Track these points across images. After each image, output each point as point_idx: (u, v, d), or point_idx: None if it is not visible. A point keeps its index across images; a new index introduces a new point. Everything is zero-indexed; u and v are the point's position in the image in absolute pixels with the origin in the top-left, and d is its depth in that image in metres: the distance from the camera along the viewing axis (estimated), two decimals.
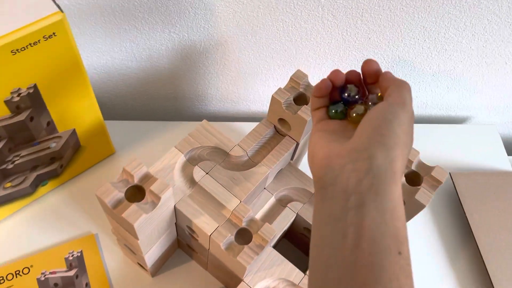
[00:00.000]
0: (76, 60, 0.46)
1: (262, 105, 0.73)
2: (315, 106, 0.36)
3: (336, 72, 0.35)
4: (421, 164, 0.47)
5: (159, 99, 0.70)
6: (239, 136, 0.58)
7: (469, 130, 0.74)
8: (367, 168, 0.27)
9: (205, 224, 0.46)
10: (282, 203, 0.54)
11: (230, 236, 0.46)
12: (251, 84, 0.68)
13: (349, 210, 0.27)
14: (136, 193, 0.43)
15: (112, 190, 0.41)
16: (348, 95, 0.35)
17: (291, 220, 0.53)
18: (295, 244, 0.60)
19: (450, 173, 0.66)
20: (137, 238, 0.43)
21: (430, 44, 0.61)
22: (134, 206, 0.40)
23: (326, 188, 0.29)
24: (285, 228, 0.53)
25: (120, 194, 0.42)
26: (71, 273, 0.55)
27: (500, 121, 0.80)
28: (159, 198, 0.41)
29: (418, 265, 0.61)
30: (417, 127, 0.73)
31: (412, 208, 0.46)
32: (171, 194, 0.43)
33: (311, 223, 0.53)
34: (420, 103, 0.74)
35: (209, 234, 0.45)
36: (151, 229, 0.44)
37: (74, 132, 0.54)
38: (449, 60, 0.65)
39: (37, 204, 0.59)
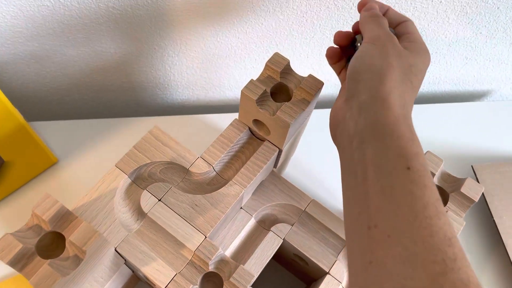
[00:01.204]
0: None
1: (239, 91, 0.60)
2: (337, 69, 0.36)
3: (338, 34, 0.35)
4: (445, 176, 0.35)
5: (112, 91, 0.57)
6: (213, 133, 0.45)
7: (491, 108, 0.61)
8: (358, 109, 0.28)
9: (158, 272, 0.34)
10: (264, 225, 0.42)
11: (193, 287, 0.34)
12: (223, 67, 0.54)
13: (354, 152, 0.28)
14: (56, 238, 0.31)
15: (16, 245, 0.29)
16: (357, 46, 0.34)
17: (276, 248, 0.41)
18: (285, 267, 0.49)
19: (472, 166, 0.54)
20: None
21: (447, 6, 0.48)
22: (46, 267, 0.28)
23: (339, 143, 0.30)
24: (270, 258, 0.41)
25: (29, 247, 0.30)
26: None
27: None
28: (83, 252, 0.29)
29: None
30: (428, 108, 0.61)
31: None
32: (102, 243, 0.31)
33: (301, 250, 0.41)
34: (432, 79, 0.61)
35: (164, 287, 0.33)
36: (83, 286, 0.32)
37: None
38: (469, 25, 0.51)
39: None
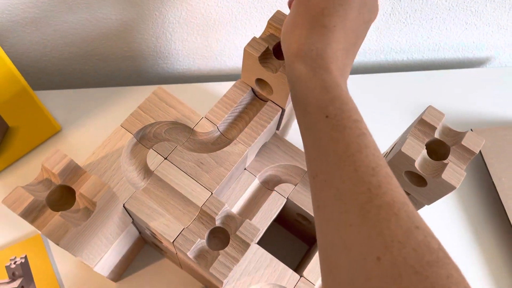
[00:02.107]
0: None
1: (240, 60, 0.60)
2: None
3: None
4: (446, 130, 0.35)
5: (112, 60, 0.57)
6: (215, 101, 0.46)
7: (491, 74, 0.61)
8: (294, 56, 0.29)
9: (166, 227, 0.35)
10: (268, 185, 0.43)
11: (200, 240, 0.35)
12: (224, 34, 0.54)
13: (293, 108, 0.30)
14: (66, 194, 0.32)
15: (27, 197, 0.29)
16: None
17: (280, 207, 0.42)
18: (288, 229, 0.50)
19: (471, 129, 0.54)
20: (75, 254, 0.32)
21: None
22: (58, 218, 0.29)
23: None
24: (274, 217, 0.42)
25: (40, 200, 0.30)
26: (15, 284, 0.45)
27: None
28: (93, 204, 0.30)
29: (441, 237, 0.51)
30: (428, 74, 0.61)
31: (438, 189, 0.35)
32: (110, 196, 0.31)
33: (304, 208, 0.42)
34: (432, 45, 0.61)
35: (172, 241, 0.34)
36: (92, 240, 0.33)
37: None
38: None
39: None
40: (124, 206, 0.35)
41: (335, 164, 0.25)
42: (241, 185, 0.42)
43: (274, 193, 0.42)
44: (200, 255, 0.35)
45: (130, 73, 0.60)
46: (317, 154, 0.27)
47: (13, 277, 0.45)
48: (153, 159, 0.37)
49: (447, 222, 0.52)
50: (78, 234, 0.30)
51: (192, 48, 0.56)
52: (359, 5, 0.29)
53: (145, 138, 0.38)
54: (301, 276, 0.39)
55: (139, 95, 0.54)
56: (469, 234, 0.51)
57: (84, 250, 0.33)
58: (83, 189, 0.30)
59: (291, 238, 0.50)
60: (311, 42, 0.28)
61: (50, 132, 0.50)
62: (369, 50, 0.61)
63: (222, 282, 0.35)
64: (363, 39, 0.31)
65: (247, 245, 0.35)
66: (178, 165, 0.37)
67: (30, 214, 0.30)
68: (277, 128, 0.44)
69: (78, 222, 0.30)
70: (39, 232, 0.47)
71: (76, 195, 0.30)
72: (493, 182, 0.52)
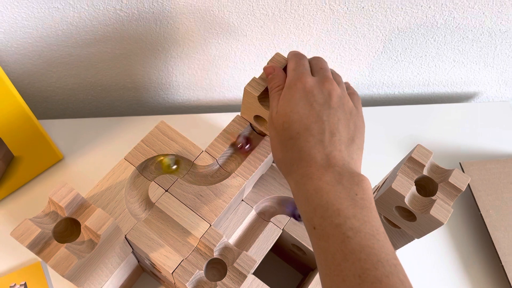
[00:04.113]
0: None
1: (239, 92, 0.62)
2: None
3: (269, 69, 0.36)
4: (434, 167, 0.37)
5: (115, 91, 0.59)
6: (214, 131, 0.48)
7: (478, 108, 0.64)
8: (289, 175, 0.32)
9: (165, 258, 0.36)
10: (264, 216, 0.45)
11: (199, 272, 0.36)
12: (223, 69, 0.57)
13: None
14: (71, 225, 0.33)
15: (34, 230, 0.31)
16: None
17: (276, 238, 0.43)
18: (283, 259, 0.51)
19: (460, 163, 0.57)
20: (78, 285, 0.34)
21: (435, 11, 0.51)
22: (64, 251, 0.30)
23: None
24: (269, 248, 0.43)
25: (46, 232, 0.31)
26: None
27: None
28: (98, 236, 0.31)
29: (431, 269, 0.52)
30: (418, 108, 0.64)
31: (426, 225, 0.36)
32: (114, 228, 0.33)
33: (299, 240, 0.43)
34: (422, 81, 0.64)
35: (171, 272, 0.35)
36: (95, 270, 0.34)
37: (1, 142, 0.43)
38: (457, 29, 0.54)
39: None
40: (126, 237, 0.36)
41: (327, 275, 0.26)
42: (238, 216, 0.44)
43: (270, 224, 0.44)
44: (198, 286, 0.36)
45: (132, 103, 0.62)
46: (318, 264, 0.28)
47: None
48: (155, 191, 0.39)
49: (437, 255, 0.53)
50: (82, 266, 0.31)
51: (192, 81, 0.59)
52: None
53: (147, 171, 0.40)
54: None
55: (141, 125, 0.56)
56: (458, 265, 0.52)
57: (86, 281, 0.34)
58: (88, 222, 0.31)
59: (286, 267, 0.51)
60: (287, 157, 0.31)
61: (53, 160, 0.52)
62: (362, 84, 0.64)
63: None
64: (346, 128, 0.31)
65: (244, 277, 0.36)
66: (178, 197, 0.38)
67: (37, 245, 0.31)
68: (273, 162, 0.46)
69: (82, 254, 0.31)
70: (39, 259, 0.48)
71: (82, 227, 0.32)
72: (481, 214, 0.54)
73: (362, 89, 0.65)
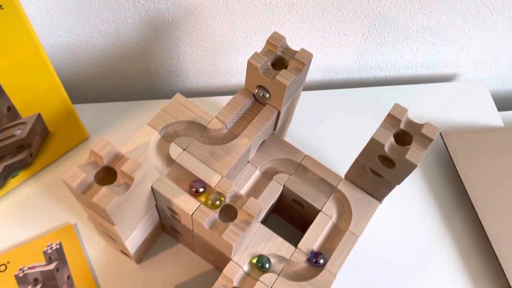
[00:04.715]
0: (29, 36, 0.42)
1: (241, 77, 0.69)
2: None
3: None
4: (409, 123, 0.44)
5: (131, 79, 0.66)
6: (218, 110, 0.55)
7: (457, 87, 0.71)
8: None
9: (186, 203, 0.43)
10: (267, 176, 0.52)
11: (214, 214, 0.43)
12: (228, 55, 0.64)
13: None
14: (107, 175, 0.40)
15: (80, 174, 0.38)
16: None
17: (278, 193, 0.50)
18: (284, 218, 0.58)
19: (440, 133, 0.64)
20: (113, 224, 0.40)
21: None
22: (105, 189, 0.37)
23: None
24: (273, 201, 0.50)
25: (89, 177, 0.38)
26: (51, 266, 0.52)
27: (488, 76, 0.78)
28: (132, 179, 0.38)
29: (414, 227, 0.59)
30: (403, 88, 0.71)
31: (403, 169, 0.43)
32: (145, 174, 0.39)
33: (299, 194, 0.50)
34: (405, 63, 0.71)
35: (191, 214, 0.42)
36: (127, 212, 0.41)
37: (39, 117, 0.50)
38: (432, 13, 0.62)
39: (9, 198, 0.56)
40: (152, 187, 0.43)
41: None
42: (245, 175, 0.51)
43: (272, 181, 0.51)
44: (214, 226, 0.43)
45: (146, 91, 0.69)
46: None
47: (49, 261, 0.52)
48: (174, 150, 0.46)
49: (420, 212, 0.60)
50: (119, 204, 0.38)
51: (200, 67, 0.66)
52: None
53: (167, 135, 0.47)
54: (296, 248, 0.47)
55: (156, 107, 0.63)
56: (440, 218, 0.59)
57: (121, 221, 0.41)
58: (124, 167, 0.38)
59: (288, 226, 0.58)
60: None
61: (80, 138, 0.59)
62: (352, 68, 0.71)
63: (231, 249, 0.43)
64: None
65: (252, 217, 0.43)
66: (194, 155, 0.45)
67: (82, 187, 0.38)
68: (274, 129, 0.53)
69: (120, 194, 0.38)
70: (71, 223, 0.55)
71: (118, 173, 0.39)
72: (459, 176, 0.60)
73: (353, 72, 0.72)
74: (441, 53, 0.70)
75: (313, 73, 0.71)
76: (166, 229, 0.55)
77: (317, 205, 0.49)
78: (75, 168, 0.38)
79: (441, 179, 0.62)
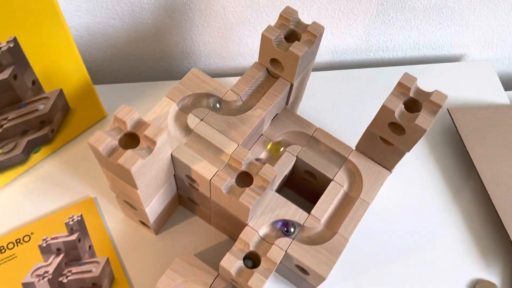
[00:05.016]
0: (56, 12, 0.44)
1: (252, 60, 0.71)
2: None
3: None
4: (418, 91, 0.46)
5: (146, 60, 0.68)
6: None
7: (464, 67, 0.73)
8: None
9: (204, 169, 0.45)
10: None
11: (231, 180, 0.45)
12: (240, 36, 0.66)
13: None
14: (129, 141, 0.42)
15: (106, 137, 0.40)
16: None
17: (292, 164, 0.52)
18: (297, 191, 0.59)
19: (448, 109, 0.65)
20: (136, 187, 0.42)
21: None
22: (129, 152, 0.39)
23: None
24: (286, 172, 0.52)
25: (114, 141, 0.40)
26: (73, 237, 0.54)
27: (494, 57, 0.79)
28: (154, 143, 0.40)
29: (422, 200, 0.60)
30: (410, 68, 0.72)
31: (413, 135, 0.45)
32: (166, 138, 0.41)
33: (311, 164, 0.52)
34: (413, 44, 0.73)
35: (209, 179, 0.44)
36: (149, 177, 0.43)
37: (61, 92, 0.53)
38: None
39: (32, 173, 0.58)
40: (171, 155, 0.45)
41: None
42: (259, 147, 0.52)
43: (286, 153, 0.52)
44: (231, 191, 0.44)
45: (160, 73, 0.71)
46: None
47: (71, 231, 0.55)
48: (192, 120, 0.47)
49: (429, 185, 0.61)
50: (142, 166, 0.40)
51: (212, 49, 0.68)
52: None
53: (184, 106, 0.49)
54: (309, 214, 0.49)
55: (169, 88, 0.65)
56: (448, 192, 0.61)
57: (143, 185, 0.43)
58: (147, 131, 0.40)
59: (299, 200, 0.59)
60: None
61: (99, 116, 0.61)
62: (360, 49, 0.72)
63: (247, 214, 0.44)
64: None
65: (267, 182, 0.44)
66: (211, 125, 0.47)
67: (107, 150, 0.40)
68: (287, 104, 0.55)
69: (143, 157, 0.40)
70: (92, 196, 0.57)
71: (141, 137, 0.41)
72: (467, 150, 0.62)
73: (361, 54, 0.73)
74: (448, 33, 0.71)
75: (323, 55, 0.72)
76: (183, 201, 0.56)
77: (329, 175, 0.51)
78: (100, 133, 0.40)
79: (449, 154, 0.64)
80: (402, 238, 0.58)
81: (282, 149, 0.47)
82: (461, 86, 0.70)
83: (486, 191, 0.59)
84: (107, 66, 0.68)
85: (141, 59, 0.67)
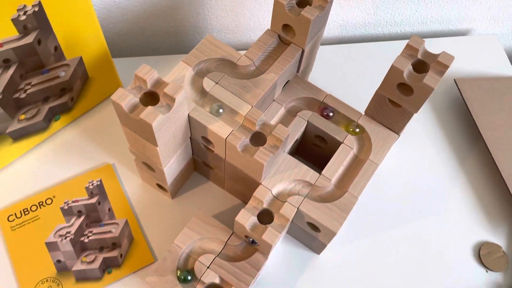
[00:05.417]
0: None
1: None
2: None
3: None
4: (426, 53, 0.48)
5: (160, 35, 0.70)
6: None
7: (471, 41, 0.74)
8: None
9: (220, 129, 0.47)
10: (292, 113, 0.55)
11: (245, 139, 0.47)
12: (251, 9, 0.68)
13: None
14: (149, 100, 0.44)
15: (127, 95, 0.42)
16: None
17: (303, 128, 0.54)
18: (307, 158, 0.61)
19: (455, 79, 0.66)
20: (156, 144, 0.44)
21: None
22: (150, 108, 0.41)
23: None
24: (297, 136, 0.54)
25: (135, 99, 0.42)
26: (93, 200, 0.57)
27: (500, 32, 0.80)
28: (173, 100, 0.42)
29: (430, 166, 0.62)
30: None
31: (421, 95, 0.47)
32: (185, 96, 0.43)
33: (322, 128, 0.54)
34: (420, 18, 0.74)
35: (225, 138, 0.46)
36: (168, 135, 0.45)
37: (81, 60, 0.55)
38: None
39: (52, 140, 0.60)
40: (189, 115, 0.47)
41: None
42: (271, 112, 0.54)
43: (297, 117, 0.54)
44: (245, 150, 0.47)
45: (174, 48, 0.73)
46: None
47: (91, 195, 0.57)
48: (207, 83, 0.49)
49: (436, 152, 0.63)
50: (163, 122, 0.42)
51: (224, 23, 0.70)
52: None
53: (200, 72, 0.51)
54: (320, 174, 0.51)
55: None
56: (455, 158, 0.63)
57: (162, 142, 0.45)
58: (166, 89, 0.42)
59: (310, 167, 0.61)
60: None
61: (115, 87, 0.63)
62: (369, 23, 0.74)
63: (261, 172, 0.46)
64: None
65: (280, 141, 0.46)
66: (226, 88, 0.49)
67: (129, 107, 0.42)
68: (297, 71, 0.57)
69: (163, 113, 0.42)
70: (110, 163, 0.59)
71: (160, 95, 0.43)
72: (473, 119, 0.63)
73: (369, 28, 0.75)
74: (455, 6, 0.72)
75: (331, 29, 0.74)
76: (198, 167, 0.59)
77: (339, 138, 0.53)
78: (122, 90, 0.42)
79: (455, 123, 0.65)
80: (409, 201, 0.59)
81: (358, 130, 0.53)
82: (468, 59, 0.72)
83: (492, 157, 0.60)
84: (122, 41, 0.70)
85: (156, 34, 0.69)
